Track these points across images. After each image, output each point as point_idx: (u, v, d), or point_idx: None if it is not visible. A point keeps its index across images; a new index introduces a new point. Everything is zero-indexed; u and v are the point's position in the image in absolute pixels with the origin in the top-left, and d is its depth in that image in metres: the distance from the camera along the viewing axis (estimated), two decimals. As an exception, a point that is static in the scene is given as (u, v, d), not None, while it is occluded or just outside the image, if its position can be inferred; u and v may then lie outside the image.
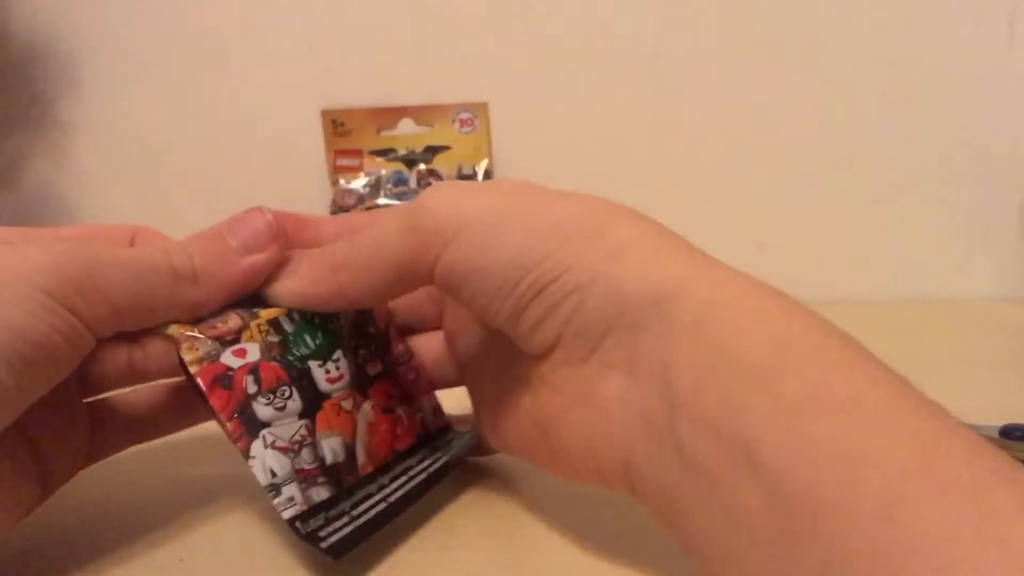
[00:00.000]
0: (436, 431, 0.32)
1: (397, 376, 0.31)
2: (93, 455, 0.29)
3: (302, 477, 0.26)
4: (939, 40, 0.58)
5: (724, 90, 0.60)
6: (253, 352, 0.26)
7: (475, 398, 0.30)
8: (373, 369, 0.30)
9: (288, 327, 0.27)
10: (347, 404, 0.28)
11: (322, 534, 0.25)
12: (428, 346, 0.32)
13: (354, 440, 0.28)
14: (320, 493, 0.26)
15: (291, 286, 0.27)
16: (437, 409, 0.33)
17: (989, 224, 0.61)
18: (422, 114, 0.61)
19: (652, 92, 0.60)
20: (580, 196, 0.25)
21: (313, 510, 0.26)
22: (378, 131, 0.61)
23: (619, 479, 0.23)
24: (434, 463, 0.31)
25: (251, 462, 0.25)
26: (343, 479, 0.27)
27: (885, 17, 0.59)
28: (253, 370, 0.26)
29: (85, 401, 0.29)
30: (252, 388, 0.26)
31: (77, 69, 0.63)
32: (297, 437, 0.26)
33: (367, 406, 0.29)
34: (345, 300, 0.27)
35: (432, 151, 0.60)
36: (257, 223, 0.27)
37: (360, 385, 0.29)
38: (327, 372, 0.28)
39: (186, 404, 0.30)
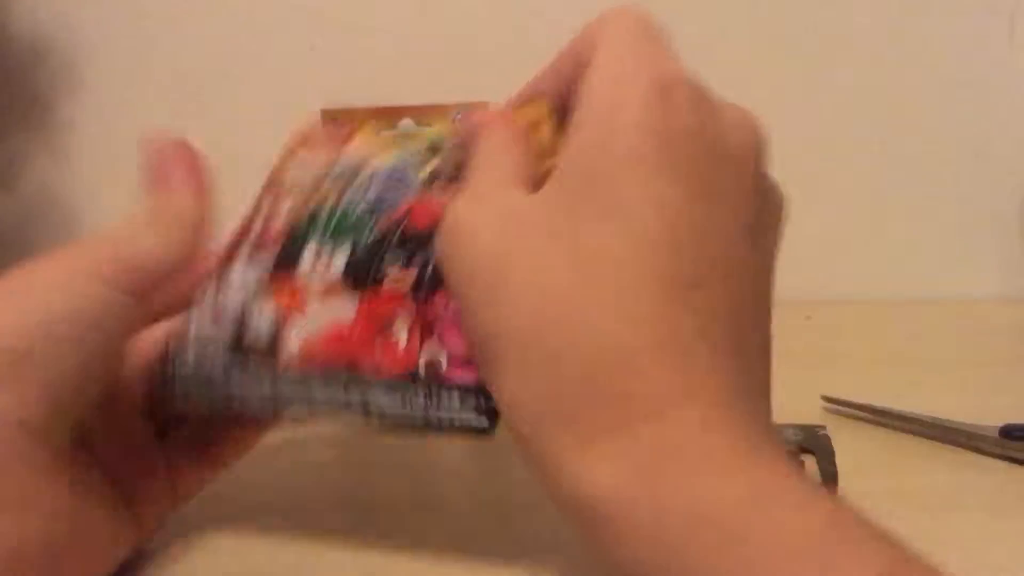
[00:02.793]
0: (435, 382, 0.25)
1: (428, 299, 0.26)
2: (178, 495, 0.28)
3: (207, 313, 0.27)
4: (939, 40, 0.58)
5: (722, 89, 0.60)
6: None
7: None
8: (393, 275, 0.27)
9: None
10: (316, 286, 0.27)
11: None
12: None
13: (287, 323, 0.27)
14: (208, 329, 0.27)
15: None
16: (455, 359, 0.26)
17: (989, 224, 0.61)
18: (422, 114, 0.61)
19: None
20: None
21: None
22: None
23: None
24: (408, 409, 0.25)
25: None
26: (243, 343, 0.27)
27: (885, 16, 0.58)
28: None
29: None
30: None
31: (77, 69, 0.63)
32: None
33: (347, 303, 0.27)
34: None
35: (432, 151, 0.60)
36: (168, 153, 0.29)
37: (357, 282, 0.27)
38: (317, 255, 0.28)
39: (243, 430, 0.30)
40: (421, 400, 0.25)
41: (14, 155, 0.64)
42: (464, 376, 0.25)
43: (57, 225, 0.64)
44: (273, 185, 0.30)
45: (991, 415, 0.35)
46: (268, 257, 0.28)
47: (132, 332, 0.26)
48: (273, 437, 0.31)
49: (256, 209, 0.30)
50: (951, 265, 0.61)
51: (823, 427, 0.37)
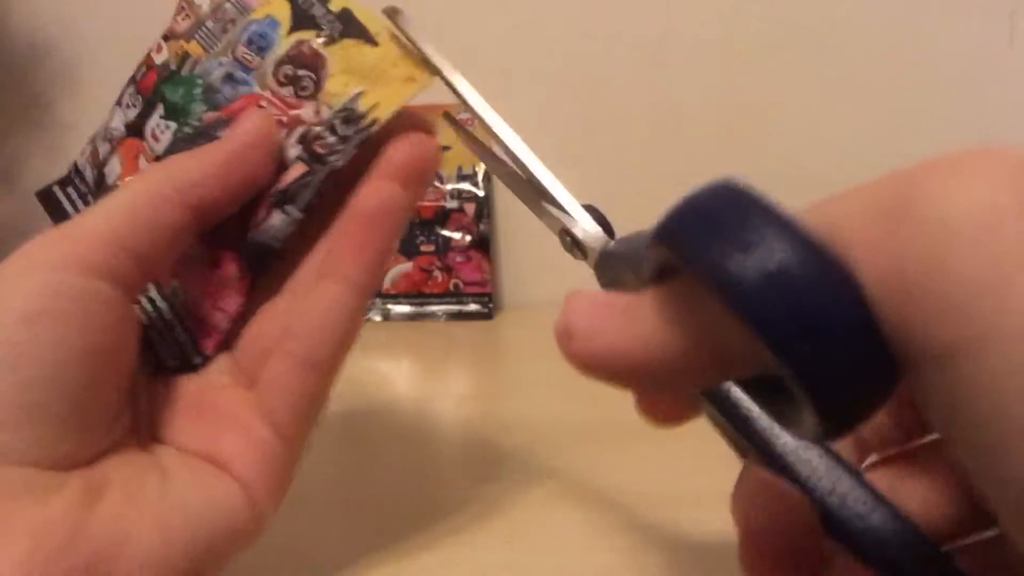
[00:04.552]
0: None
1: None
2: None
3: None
4: (939, 40, 0.59)
5: (725, 88, 0.60)
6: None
7: None
8: None
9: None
10: (142, 162, 0.28)
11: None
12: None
13: (103, 170, 0.29)
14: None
15: None
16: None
17: (989, 224, 0.61)
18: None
19: (653, 90, 0.60)
20: None
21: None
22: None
23: None
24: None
25: None
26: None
27: (886, 16, 0.59)
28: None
29: None
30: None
31: (77, 70, 0.63)
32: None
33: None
34: None
35: (432, 151, 0.60)
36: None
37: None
38: (153, 133, 0.28)
39: None
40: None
41: (14, 155, 0.64)
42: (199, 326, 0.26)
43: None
44: (182, 9, 0.30)
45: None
46: (133, 111, 0.29)
47: (126, 319, 0.22)
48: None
49: (156, 44, 0.30)
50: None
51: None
